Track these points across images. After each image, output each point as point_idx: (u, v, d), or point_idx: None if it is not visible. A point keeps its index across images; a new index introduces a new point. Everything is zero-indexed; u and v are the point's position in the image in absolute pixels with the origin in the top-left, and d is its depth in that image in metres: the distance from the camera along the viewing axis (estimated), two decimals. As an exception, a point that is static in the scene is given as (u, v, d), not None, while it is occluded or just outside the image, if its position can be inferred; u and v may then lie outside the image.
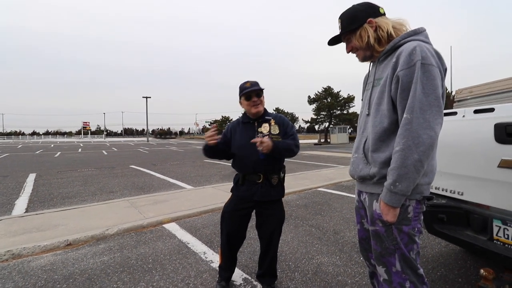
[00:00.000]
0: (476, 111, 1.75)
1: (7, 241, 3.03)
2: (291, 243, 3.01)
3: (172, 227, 3.55)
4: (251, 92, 1.88)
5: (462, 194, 1.84)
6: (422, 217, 1.21)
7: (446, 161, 1.90)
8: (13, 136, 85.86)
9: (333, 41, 1.40)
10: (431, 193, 1.20)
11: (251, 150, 1.85)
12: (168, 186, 6.18)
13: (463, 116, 1.84)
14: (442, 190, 1.99)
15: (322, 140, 31.70)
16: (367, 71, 1.44)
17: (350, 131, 31.04)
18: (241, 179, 1.95)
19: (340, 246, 2.89)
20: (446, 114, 1.93)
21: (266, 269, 2.07)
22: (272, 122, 1.96)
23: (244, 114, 2.01)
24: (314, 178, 6.86)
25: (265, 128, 1.92)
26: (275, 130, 1.92)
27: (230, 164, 2.08)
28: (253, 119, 1.96)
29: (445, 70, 1.14)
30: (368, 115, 1.28)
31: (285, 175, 2.07)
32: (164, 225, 3.62)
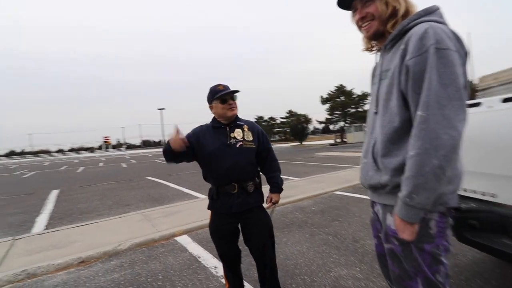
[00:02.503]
0: (506, 100, 1.54)
1: (24, 260, 3.06)
2: (306, 254, 2.83)
3: (184, 240, 3.47)
4: (226, 95, 1.78)
5: (495, 196, 1.62)
6: (449, 233, 1.02)
7: (473, 159, 1.68)
8: (40, 154, 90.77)
9: (344, 2, 1.14)
10: (459, 195, 1.02)
11: (224, 156, 1.75)
12: (182, 196, 6.16)
13: (490, 106, 1.62)
14: (472, 192, 1.77)
15: (338, 140, 30.98)
16: (375, 63, 1.28)
17: (366, 129, 30.12)
18: (215, 193, 1.81)
19: (360, 256, 2.68)
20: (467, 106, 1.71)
21: (270, 286, 1.92)
22: (246, 128, 1.87)
23: (214, 119, 1.88)
24: (330, 181, 6.61)
25: (238, 133, 1.82)
26: (249, 136, 1.84)
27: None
28: (225, 123, 1.84)
29: (466, 54, 0.95)
30: (376, 113, 1.11)
31: (261, 179, 1.95)
32: (176, 238, 3.55)
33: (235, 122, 1.85)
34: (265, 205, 1.94)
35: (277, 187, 1.95)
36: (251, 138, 1.84)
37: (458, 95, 0.88)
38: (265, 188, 1.92)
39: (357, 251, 2.81)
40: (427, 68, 0.89)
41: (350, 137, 28.14)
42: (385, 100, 1.05)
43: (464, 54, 0.94)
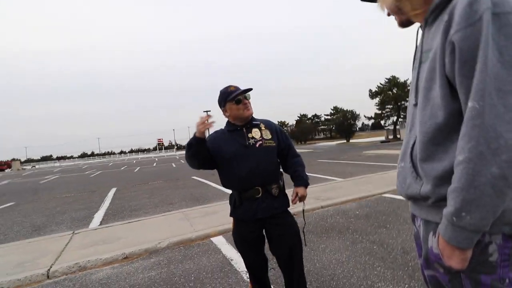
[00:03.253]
0: None
1: (78, 254, 3.38)
2: (346, 264, 2.55)
3: (219, 241, 3.45)
4: (240, 95, 1.67)
5: None
6: None
7: None
8: (106, 155, 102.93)
9: None
10: None
11: (244, 158, 1.64)
12: (221, 196, 6.23)
13: None
14: None
15: (391, 137, 28.65)
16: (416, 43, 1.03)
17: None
18: (237, 199, 1.69)
19: (410, 271, 2.31)
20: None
21: None
22: (262, 126, 1.75)
23: (228, 122, 1.79)
24: (378, 182, 6.03)
25: (255, 133, 1.71)
26: (267, 134, 1.73)
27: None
28: (241, 125, 1.73)
29: None
30: (415, 105, 0.87)
31: (284, 181, 1.78)
32: (211, 239, 3.56)
33: (251, 122, 1.75)
34: (291, 208, 1.77)
35: (302, 180, 1.77)
36: (270, 136, 1.73)
37: None
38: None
39: (407, 264, 2.43)
40: (481, 43, 0.64)
41: (404, 133, 25.79)
42: (426, 88, 0.82)
43: None
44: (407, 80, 29.12)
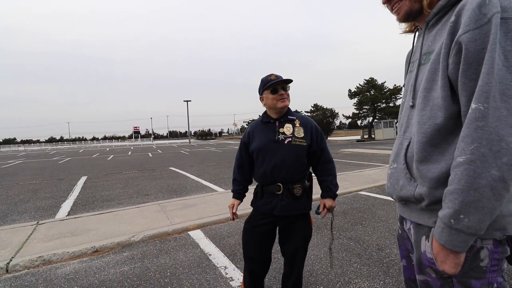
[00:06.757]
0: None
1: (42, 246, 3.14)
2: (324, 260, 2.59)
3: (197, 235, 3.37)
4: (277, 84, 1.62)
5: None
6: (504, 266, 0.77)
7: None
8: (77, 141, 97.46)
9: None
10: None
11: (270, 152, 1.62)
12: (200, 189, 6.12)
13: None
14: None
15: (366, 136, 29.75)
16: (412, 46, 1.02)
17: (397, 125, 28.61)
18: (259, 191, 1.71)
19: (384, 268, 2.39)
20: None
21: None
22: (297, 123, 1.68)
23: (265, 113, 1.75)
24: (355, 180, 6.21)
25: (287, 129, 1.65)
26: (300, 132, 1.65)
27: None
28: (275, 118, 1.69)
29: None
30: (412, 107, 0.88)
31: (312, 183, 1.74)
32: (189, 232, 3.46)
33: (286, 117, 1.69)
34: (318, 216, 1.75)
35: (329, 192, 1.70)
36: (302, 135, 1.65)
37: None
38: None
39: (382, 261, 2.51)
40: (488, 46, 0.64)
41: (379, 133, 26.88)
42: (426, 89, 0.81)
43: None
44: (384, 82, 30.23)
